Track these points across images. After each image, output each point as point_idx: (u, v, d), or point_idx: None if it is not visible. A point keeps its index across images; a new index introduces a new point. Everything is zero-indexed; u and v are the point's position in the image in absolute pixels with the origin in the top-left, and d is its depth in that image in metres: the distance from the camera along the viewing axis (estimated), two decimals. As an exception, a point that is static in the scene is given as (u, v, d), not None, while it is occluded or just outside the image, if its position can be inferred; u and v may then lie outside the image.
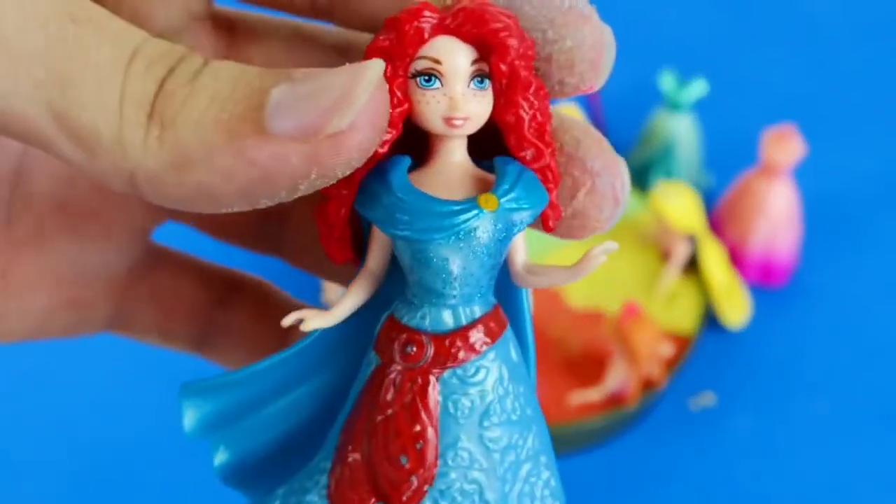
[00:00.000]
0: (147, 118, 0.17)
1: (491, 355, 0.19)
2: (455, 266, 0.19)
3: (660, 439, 0.66)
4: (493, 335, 0.19)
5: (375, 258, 0.20)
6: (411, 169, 0.20)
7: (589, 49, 0.20)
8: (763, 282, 0.74)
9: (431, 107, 0.19)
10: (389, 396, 0.19)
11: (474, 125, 0.20)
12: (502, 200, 0.19)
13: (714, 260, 0.70)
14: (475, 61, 0.19)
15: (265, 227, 0.26)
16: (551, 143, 0.20)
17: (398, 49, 0.19)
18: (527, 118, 0.19)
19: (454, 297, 0.19)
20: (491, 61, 0.19)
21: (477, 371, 0.19)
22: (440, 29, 0.19)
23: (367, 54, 0.19)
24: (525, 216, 0.19)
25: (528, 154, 0.20)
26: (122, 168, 0.18)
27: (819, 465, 0.65)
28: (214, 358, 0.27)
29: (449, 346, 0.19)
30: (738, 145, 0.79)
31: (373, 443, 0.19)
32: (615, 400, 0.64)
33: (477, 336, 0.19)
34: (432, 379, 0.19)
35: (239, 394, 0.20)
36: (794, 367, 0.70)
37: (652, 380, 0.64)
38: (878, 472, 0.64)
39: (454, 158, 0.20)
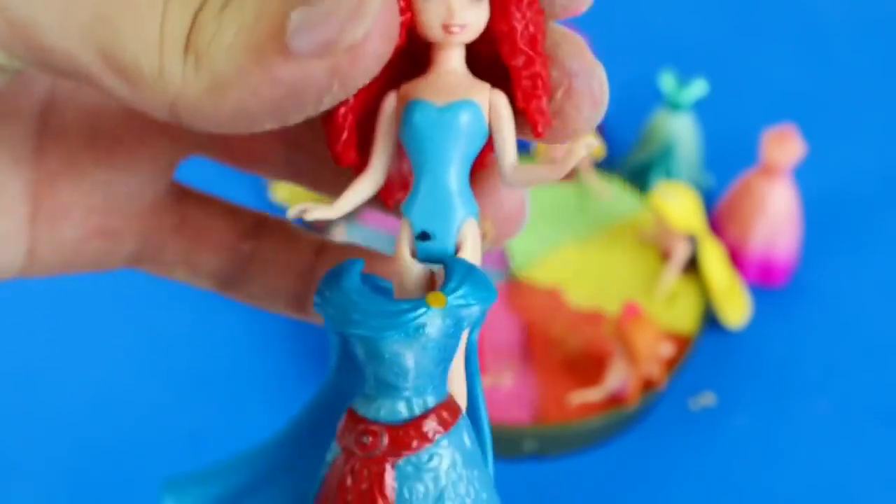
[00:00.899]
0: (184, 50, 0.19)
1: (444, 442, 0.20)
2: (407, 360, 0.20)
3: (660, 439, 0.66)
4: (445, 424, 0.20)
5: (378, 159, 0.22)
6: (410, 79, 0.21)
7: None
8: (763, 282, 0.74)
9: (432, 14, 0.21)
10: (348, 483, 0.20)
11: (470, 34, 0.21)
12: (450, 298, 0.20)
13: (714, 260, 0.70)
14: None
15: (288, 154, 0.27)
16: (543, 53, 0.21)
17: None
18: (519, 27, 0.21)
19: (407, 388, 0.20)
20: None
21: (431, 458, 0.20)
22: None
23: None
24: (474, 311, 0.20)
25: (520, 61, 0.21)
26: (164, 98, 0.19)
27: (819, 465, 0.65)
28: (239, 296, 0.27)
29: (403, 435, 0.20)
30: (738, 145, 0.79)
31: None
32: (615, 400, 0.64)
33: (430, 425, 0.20)
34: (388, 467, 0.20)
35: (218, 486, 0.21)
36: (794, 367, 0.70)
37: (652, 380, 0.64)
38: (878, 472, 0.64)
39: (450, 66, 0.21)
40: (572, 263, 0.73)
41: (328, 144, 0.22)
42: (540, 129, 0.21)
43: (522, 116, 0.22)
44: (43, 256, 0.25)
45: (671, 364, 0.66)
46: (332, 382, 0.22)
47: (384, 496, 0.19)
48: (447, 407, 0.21)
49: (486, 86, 0.21)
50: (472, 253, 0.22)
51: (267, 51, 0.19)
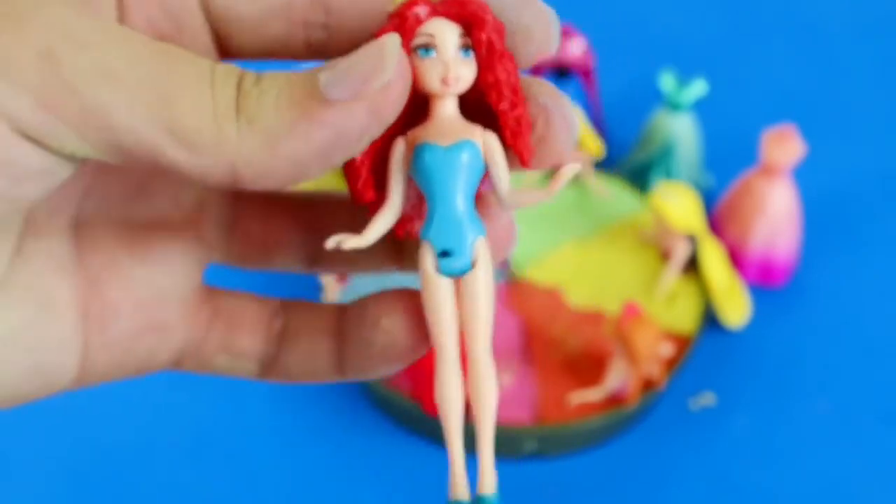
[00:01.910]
0: (236, 115, 0.22)
1: None
2: None
3: (660, 439, 0.66)
4: None
5: (394, 193, 0.26)
6: (412, 128, 0.26)
7: (540, 22, 0.26)
8: (763, 282, 0.74)
9: (430, 71, 0.25)
10: None
11: (463, 85, 0.25)
12: None
13: (714, 260, 0.70)
14: (461, 35, 0.25)
15: (304, 245, 0.29)
16: (523, 97, 0.25)
17: (402, 31, 0.24)
18: (503, 78, 0.25)
19: None
20: (472, 34, 0.25)
21: None
22: (432, 14, 0.25)
23: (378, 38, 0.24)
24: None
25: (507, 106, 0.25)
26: (226, 159, 0.22)
27: (819, 465, 0.65)
28: (280, 374, 0.29)
29: None
30: (738, 145, 0.79)
31: None
32: (615, 400, 0.64)
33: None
34: None
35: None
36: (794, 367, 0.70)
37: (652, 380, 0.64)
38: (877, 471, 0.65)
39: (448, 113, 0.25)
40: (572, 263, 0.73)
41: (349, 187, 0.26)
42: (527, 160, 0.26)
43: (510, 151, 0.26)
44: (96, 359, 0.27)
45: (671, 364, 0.66)
46: None
47: None
48: None
49: (479, 127, 0.26)
50: (485, 266, 0.26)
51: (309, 104, 0.22)
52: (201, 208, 0.28)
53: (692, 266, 0.72)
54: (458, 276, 0.25)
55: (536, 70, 0.79)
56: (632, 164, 0.79)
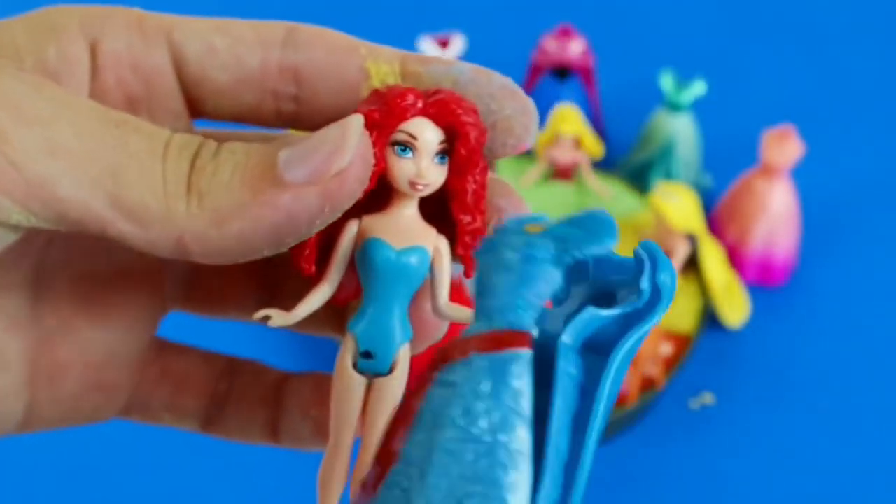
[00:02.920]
0: (186, 190, 0.22)
1: (480, 364, 0.22)
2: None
3: (659, 439, 0.66)
4: (487, 346, 0.22)
5: (332, 275, 0.25)
6: (368, 211, 0.25)
7: (522, 115, 0.25)
8: (762, 281, 0.74)
9: (402, 171, 0.24)
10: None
11: (430, 190, 0.25)
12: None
13: (713, 260, 0.70)
14: (441, 142, 0.25)
15: (260, 298, 0.30)
16: (484, 210, 0.25)
17: (385, 120, 0.24)
18: (470, 190, 0.25)
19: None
20: (455, 145, 0.24)
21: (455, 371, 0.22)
22: (420, 111, 0.24)
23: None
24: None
25: (466, 219, 0.25)
26: (172, 234, 0.22)
27: (817, 464, 0.65)
28: (219, 432, 0.30)
29: (449, 347, 0.23)
30: (737, 146, 0.79)
31: None
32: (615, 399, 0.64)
33: (472, 344, 0.22)
34: (434, 375, 0.22)
35: None
36: (793, 366, 0.70)
37: (652, 379, 0.64)
38: (876, 470, 0.65)
39: (407, 211, 0.25)
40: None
41: (292, 257, 0.25)
42: (469, 274, 0.25)
43: (460, 260, 0.25)
44: (42, 412, 0.27)
45: (671, 363, 0.66)
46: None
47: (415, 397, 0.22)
48: (501, 335, 0.22)
49: (433, 232, 0.25)
50: (402, 372, 0.25)
51: (262, 184, 0.22)
52: (163, 261, 0.28)
53: (692, 266, 0.72)
54: (372, 377, 0.25)
55: (538, 71, 0.79)
56: (631, 164, 0.79)
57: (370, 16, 0.96)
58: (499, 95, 0.25)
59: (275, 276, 0.29)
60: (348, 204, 0.23)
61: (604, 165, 0.79)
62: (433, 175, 0.25)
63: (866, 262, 0.76)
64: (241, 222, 0.22)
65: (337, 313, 0.28)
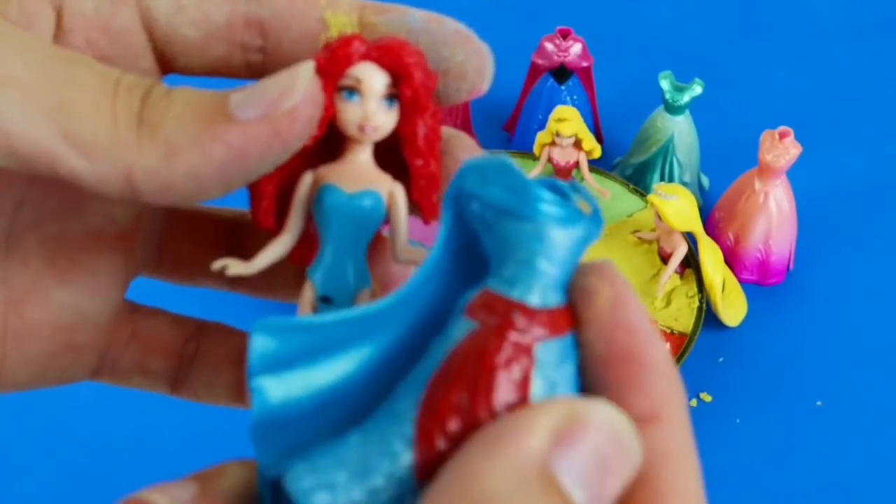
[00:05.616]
0: (137, 123, 0.22)
1: (572, 338, 0.21)
2: (564, 248, 0.22)
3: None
4: (575, 321, 0.22)
5: (290, 226, 0.25)
6: (325, 163, 0.25)
7: (475, 59, 0.25)
8: (759, 281, 0.75)
9: (350, 115, 0.25)
10: (498, 360, 0.20)
11: (381, 134, 0.25)
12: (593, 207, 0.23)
13: (711, 259, 0.71)
14: (388, 86, 0.25)
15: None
16: (438, 155, 0.25)
17: (331, 66, 0.24)
18: (421, 133, 0.25)
19: (551, 275, 0.21)
20: (399, 86, 0.25)
21: (567, 346, 0.21)
22: (365, 56, 0.25)
23: None
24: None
25: (419, 162, 0.25)
26: (122, 167, 0.22)
27: (815, 461, 0.65)
28: (186, 394, 0.30)
29: (559, 318, 0.21)
30: (735, 147, 0.80)
31: (477, 394, 0.20)
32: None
33: (569, 316, 0.22)
34: (536, 347, 0.21)
35: (304, 340, 0.22)
36: (791, 365, 0.70)
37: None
38: (873, 467, 0.65)
39: (360, 157, 0.25)
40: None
41: (251, 210, 0.25)
42: (428, 219, 0.26)
43: (416, 205, 0.26)
44: (11, 374, 0.27)
45: (669, 362, 0.66)
46: (437, 280, 0.23)
47: (527, 379, 0.20)
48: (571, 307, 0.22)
49: (388, 178, 0.25)
50: None
51: (214, 119, 0.22)
52: (135, 224, 0.28)
53: (690, 265, 0.72)
54: None
55: (538, 73, 0.80)
56: (631, 164, 0.79)
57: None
58: (451, 41, 0.25)
59: (245, 243, 0.29)
60: (298, 144, 0.23)
61: (603, 166, 0.79)
62: (381, 118, 0.25)
63: (862, 262, 0.77)
64: (192, 156, 0.22)
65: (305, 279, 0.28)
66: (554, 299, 0.21)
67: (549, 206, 0.21)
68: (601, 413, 0.19)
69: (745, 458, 0.65)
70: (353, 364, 0.22)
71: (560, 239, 0.21)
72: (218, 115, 0.22)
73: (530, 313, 0.21)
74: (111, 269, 0.28)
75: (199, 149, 0.22)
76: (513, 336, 0.20)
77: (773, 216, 0.72)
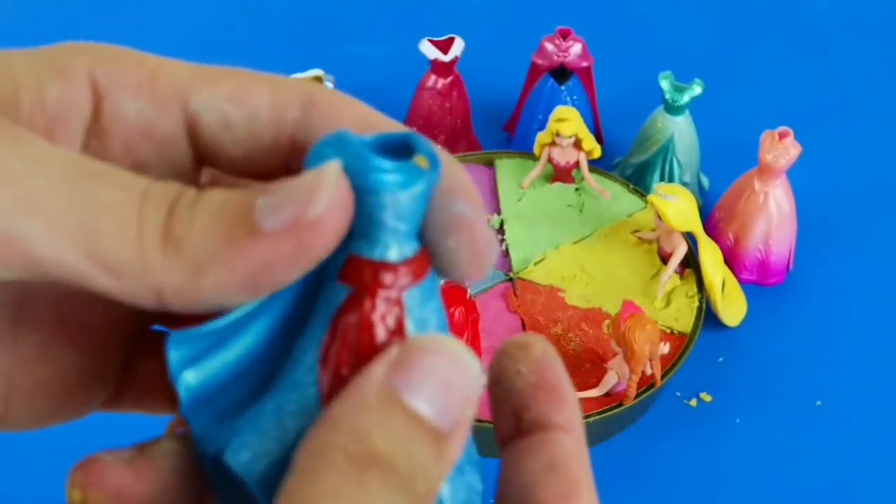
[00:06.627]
0: (162, 240, 0.22)
1: (432, 276, 0.24)
2: (411, 208, 0.23)
3: (658, 436, 0.67)
4: (430, 262, 0.24)
5: None
6: None
7: (468, 250, 0.24)
8: (759, 281, 0.75)
9: None
10: (374, 317, 0.23)
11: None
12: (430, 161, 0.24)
13: (711, 259, 0.71)
14: None
15: None
16: None
17: None
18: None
19: (405, 232, 0.24)
20: None
21: (428, 286, 0.24)
22: None
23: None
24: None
25: None
26: (149, 286, 0.22)
27: (815, 461, 0.65)
28: (127, 407, 0.30)
29: (417, 267, 0.24)
30: (735, 147, 0.80)
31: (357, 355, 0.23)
32: (614, 398, 0.65)
33: (426, 260, 0.24)
34: (403, 296, 0.23)
35: (211, 337, 0.24)
36: (791, 365, 0.70)
37: (650, 378, 0.65)
38: (873, 467, 0.65)
39: None
40: (572, 263, 0.74)
41: None
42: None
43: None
44: (14, 425, 0.27)
45: (669, 362, 0.66)
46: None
47: (401, 324, 0.23)
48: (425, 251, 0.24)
49: None
50: None
51: (238, 234, 0.22)
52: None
53: (690, 265, 0.72)
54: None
55: (538, 73, 0.80)
56: (630, 164, 0.80)
57: (371, 19, 0.96)
58: (447, 225, 0.24)
59: None
60: (325, 254, 0.22)
61: (603, 166, 0.79)
62: None
63: (862, 262, 0.77)
64: (217, 273, 0.22)
65: None
66: (410, 249, 0.23)
67: (388, 175, 0.22)
68: (436, 341, 0.22)
69: (744, 458, 0.65)
70: (254, 337, 0.24)
71: (404, 200, 0.23)
72: (242, 228, 0.22)
73: (393, 268, 0.23)
74: (122, 328, 0.28)
75: (223, 265, 0.22)
76: (382, 293, 0.23)
77: (773, 216, 0.72)
